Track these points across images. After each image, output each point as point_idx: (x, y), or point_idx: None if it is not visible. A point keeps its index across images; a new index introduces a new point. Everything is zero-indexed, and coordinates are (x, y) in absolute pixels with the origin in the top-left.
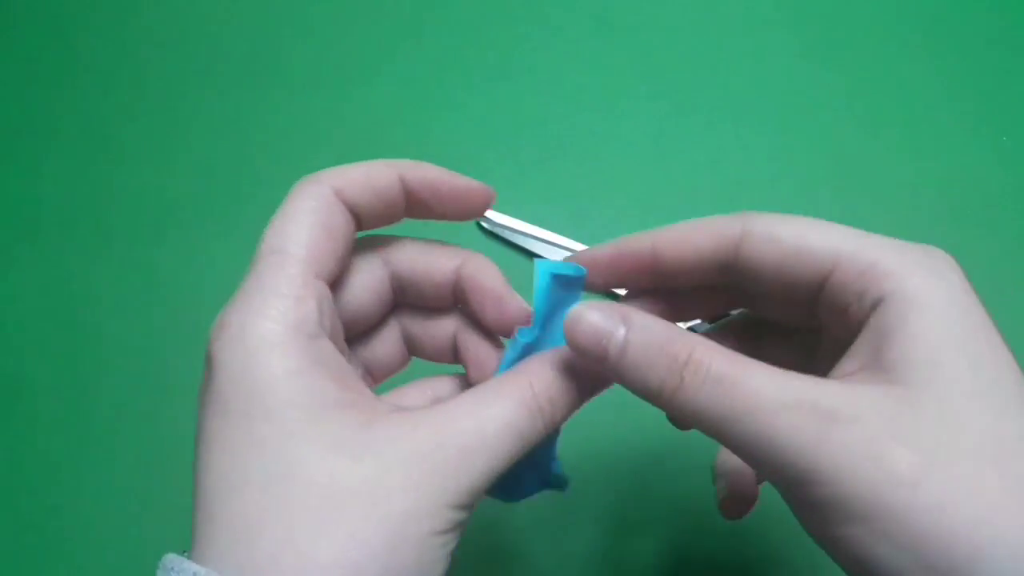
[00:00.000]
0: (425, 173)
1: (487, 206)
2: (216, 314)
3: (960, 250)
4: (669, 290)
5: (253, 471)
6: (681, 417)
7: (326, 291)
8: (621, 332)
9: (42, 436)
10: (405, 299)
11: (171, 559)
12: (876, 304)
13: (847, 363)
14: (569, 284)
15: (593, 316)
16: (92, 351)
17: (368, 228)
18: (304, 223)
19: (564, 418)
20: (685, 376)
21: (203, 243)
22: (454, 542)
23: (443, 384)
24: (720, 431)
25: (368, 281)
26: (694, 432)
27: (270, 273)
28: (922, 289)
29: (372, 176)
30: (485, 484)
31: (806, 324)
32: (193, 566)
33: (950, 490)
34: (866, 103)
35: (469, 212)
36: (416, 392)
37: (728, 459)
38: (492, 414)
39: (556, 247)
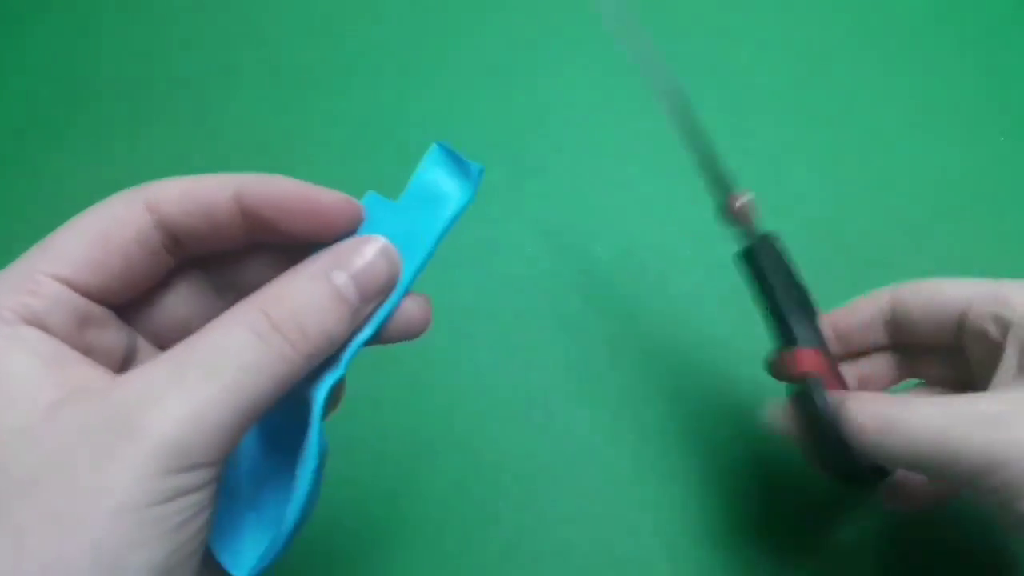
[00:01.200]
0: (269, 188)
1: (352, 226)
2: None
3: (959, 250)
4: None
5: None
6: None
7: (64, 293)
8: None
9: None
10: (193, 250)
11: None
12: (1008, 326)
13: (1001, 374)
14: (457, 170)
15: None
16: None
17: (200, 248)
18: (80, 230)
19: (327, 339)
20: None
21: None
22: (191, 510)
23: None
24: (903, 462)
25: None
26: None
27: (16, 266)
28: None
29: (193, 191)
30: (216, 435)
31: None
32: None
33: None
34: (863, 102)
35: (330, 233)
36: None
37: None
38: (205, 345)
39: None
